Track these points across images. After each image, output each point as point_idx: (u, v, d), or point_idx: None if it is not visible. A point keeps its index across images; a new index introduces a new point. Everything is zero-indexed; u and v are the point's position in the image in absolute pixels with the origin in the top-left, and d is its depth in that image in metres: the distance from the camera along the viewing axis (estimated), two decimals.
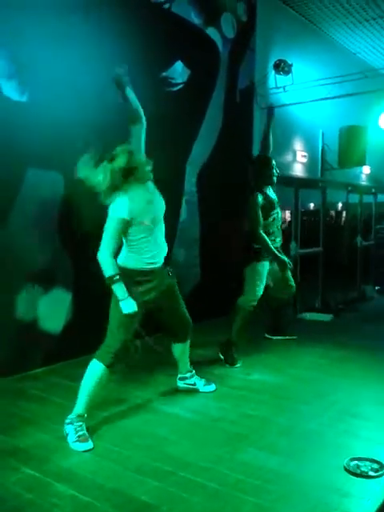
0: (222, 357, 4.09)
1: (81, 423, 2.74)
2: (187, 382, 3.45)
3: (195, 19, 5.37)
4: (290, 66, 6.44)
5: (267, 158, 4.38)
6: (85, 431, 2.71)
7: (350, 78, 6.31)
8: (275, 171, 4.30)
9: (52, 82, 3.89)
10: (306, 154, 7.46)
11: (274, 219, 4.24)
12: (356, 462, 2.38)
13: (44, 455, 2.56)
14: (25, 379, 3.68)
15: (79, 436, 2.67)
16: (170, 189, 5.03)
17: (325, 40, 7.77)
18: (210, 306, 5.26)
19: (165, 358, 3.51)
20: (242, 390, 3.49)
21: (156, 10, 4.89)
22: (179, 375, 3.45)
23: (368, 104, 7.10)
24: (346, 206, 7.91)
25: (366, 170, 8.93)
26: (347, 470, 2.34)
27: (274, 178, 4.31)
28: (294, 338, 4.79)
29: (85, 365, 3.94)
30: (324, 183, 6.99)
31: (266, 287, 4.21)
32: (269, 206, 4.19)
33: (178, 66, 5.22)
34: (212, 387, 3.46)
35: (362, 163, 7.72)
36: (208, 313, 5.21)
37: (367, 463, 2.36)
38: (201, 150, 5.53)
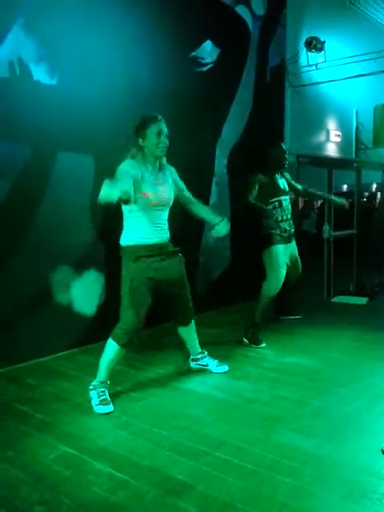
0: (245, 340, 4.09)
1: (103, 389, 2.95)
2: (199, 362, 3.49)
3: None
4: (323, 43, 6.30)
5: (280, 144, 4.40)
6: (107, 396, 2.93)
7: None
8: (286, 157, 4.32)
9: (82, 65, 3.88)
10: (339, 133, 7.29)
11: (274, 207, 4.21)
12: None
13: (80, 433, 2.60)
14: (60, 359, 3.75)
15: (101, 400, 2.89)
16: (200, 171, 5.04)
17: (358, 15, 7.53)
18: (241, 290, 5.23)
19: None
20: (276, 372, 3.46)
21: None
22: (191, 356, 3.51)
23: None
24: (381, 186, 7.72)
25: None
26: None
27: (285, 164, 4.32)
28: (299, 317, 4.90)
29: None
30: (358, 163, 6.82)
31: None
32: (270, 191, 4.19)
33: (208, 45, 5.14)
34: (224, 368, 3.47)
35: None
36: (240, 296, 5.19)
37: None
38: (231, 131, 5.46)
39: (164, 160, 3.07)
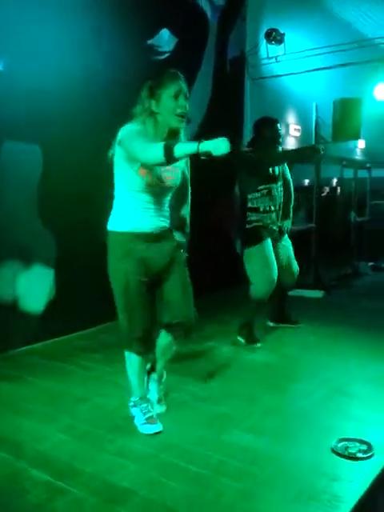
0: (241, 339, 3.84)
1: (146, 404, 2.56)
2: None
3: None
4: (283, 35, 6.23)
5: (269, 119, 3.85)
6: (153, 412, 2.55)
7: (344, 47, 6.10)
8: (278, 134, 3.80)
9: (30, 51, 3.68)
10: (299, 127, 7.27)
11: (262, 195, 3.75)
12: (344, 443, 2.28)
13: (19, 438, 2.44)
14: (2, 360, 3.53)
15: (147, 418, 2.50)
16: None
17: (319, 8, 7.50)
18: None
19: None
20: (229, 369, 3.38)
21: None
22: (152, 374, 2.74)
23: (363, 76, 6.91)
24: (340, 181, 7.76)
25: (360, 144, 8.75)
26: (335, 452, 2.24)
27: (278, 142, 3.79)
28: (300, 325, 4.34)
29: (65, 344, 3.89)
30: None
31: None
32: (259, 179, 3.73)
33: (165, 33, 4.99)
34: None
35: (356, 137, 7.48)
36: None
37: (356, 444, 2.26)
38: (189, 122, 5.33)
39: (182, 133, 2.36)
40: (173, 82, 2.28)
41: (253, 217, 3.81)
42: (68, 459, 2.26)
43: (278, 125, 3.87)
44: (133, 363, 2.52)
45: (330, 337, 4.11)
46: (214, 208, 5.54)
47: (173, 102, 2.26)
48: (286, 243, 4.03)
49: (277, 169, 3.86)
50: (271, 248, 3.79)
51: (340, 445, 2.26)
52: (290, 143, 7.19)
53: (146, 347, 2.50)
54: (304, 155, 3.94)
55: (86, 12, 4.06)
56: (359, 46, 6.47)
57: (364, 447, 2.24)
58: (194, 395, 2.94)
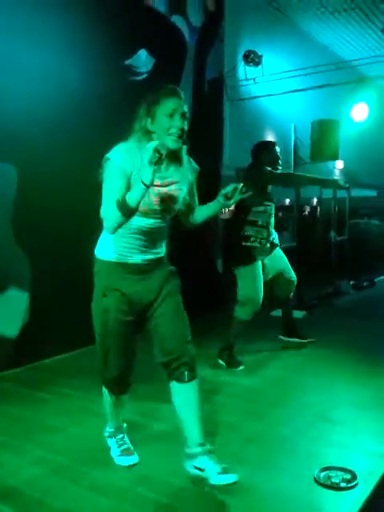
0: (222, 363, 3.77)
1: (122, 435, 2.45)
2: (196, 463, 2.13)
3: (160, 6, 5.15)
4: (260, 57, 6.30)
5: (268, 142, 4.05)
6: (129, 444, 2.43)
7: (321, 69, 6.18)
8: (277, 157, 3.94)
9: (5, 67, 3.63)
10: (278, 148, 7.30)
11: (264, 210, 3.80)
12: (327, 472, 2.20)
13: None
14: None
15: (122, 450, 2.40)
16: None
17: (296, 31, 7.64)
18: None
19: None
20: (210, 393, 3.26)
21: None
22: (186, 448, 2.19)
23: (340, 97, 7.00)
24: (320, 201, 7.80)
25: (339, 164, 8.84)
26: (317, 482, 2.16)
27: (278, 165, 3.92)
28: (313, 340, 4.31)
29: (41, 370, 3.76)
30: (297, 178, 6.84)
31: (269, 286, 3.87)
32: (261, 196, 3.77)
33: (142, 54, 4.99)
34: (231, 477, 2.04)
35: (334, 157, 7.60)
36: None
37: (339, 473, 2.19)
38: None
39: (183, 153, 2.17)
40: (168, 99, 2.07)
41: (250, 231, 3.78)
42: (39, 495, 2.14)
43: (276, 147, 3.98)
44: (107, 395, 2.36)
45: (312, 358, 4.05)
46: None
47: (167, 120, 2.06)
48: (279, 253, 4.05)
49: (271, 189, 3.96)
50: (261, 271, 3.77)
51: (322, 474, 2.19)
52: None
53: (119, 389, 2.32)
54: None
55: (64, 31, 4.02)
56: (336, 68, 6.59)
57: (348, 476, 2.17)
58: (171, 423, 2.81)
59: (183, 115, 2.08)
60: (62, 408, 3.05)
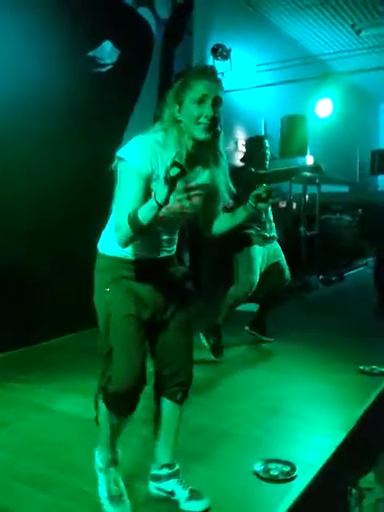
0: (205, 343, 3.71)
1: (115, 476, 1.99)
2: (160, 485, 2.03)
3: None
4: (229, 51, 6.27)
5: (258, 138, 4.16)
6: (121, 487, 1.97)
7: (291, 63, 6.19)
8: (267, 153, 4.05)
9: None
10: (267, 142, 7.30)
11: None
12: (266, 465, 2.21)
13: None
14: None
15: (113, 496, 1.93)
16: (98, 177, 4.79)
17: (265, 25, 7.62)
18: None
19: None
20: None
21: None
22: (152, 470, 2.07)
23: (309, 92, 7.02)
24: (289, 196, 7.82)
25: (309, 160, 8.87)
26: (257, 475, 2.16)
27: (267, 162, 4.04)
28: (271, 340, 4.30)
29: None
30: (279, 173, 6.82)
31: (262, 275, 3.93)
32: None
33: (107, 45, 4.92)
34: (200, 505, 1.96)
35: (303, 153, 7.60)
36: None
37: (278, 466, 2.19)
38: (134, 137, 5.26)
39: (220, 146, 1.88)
40: (197, 82, 1.74)
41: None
42: None
43: (266, 141, 4.11)
44: (107, 416, 1.92)
45: (268, 352, 4.08)
46: None
47: (196, 107, 1.74)
48: (276, 247, 4.14)
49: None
50: (258, 256, 3.90)
51: (261, 467, 2.19)
52: (239, 158, 7.19)
53: (129, 407, 1.88)
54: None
55: (23, 22, 3.94)
56: (305, 63, 6.60)
57: (287, 468, 2.18)
58: None
59: (216, 101, 1.75)
60: (9, 402, 3.01)
